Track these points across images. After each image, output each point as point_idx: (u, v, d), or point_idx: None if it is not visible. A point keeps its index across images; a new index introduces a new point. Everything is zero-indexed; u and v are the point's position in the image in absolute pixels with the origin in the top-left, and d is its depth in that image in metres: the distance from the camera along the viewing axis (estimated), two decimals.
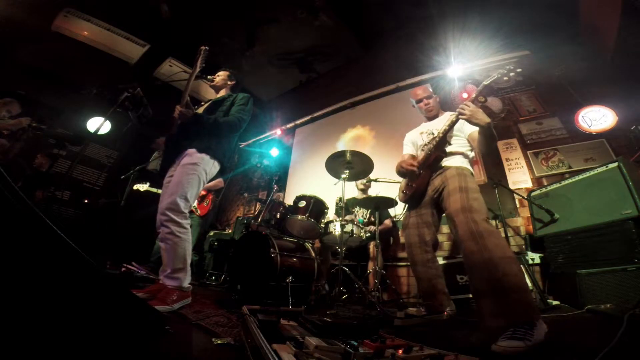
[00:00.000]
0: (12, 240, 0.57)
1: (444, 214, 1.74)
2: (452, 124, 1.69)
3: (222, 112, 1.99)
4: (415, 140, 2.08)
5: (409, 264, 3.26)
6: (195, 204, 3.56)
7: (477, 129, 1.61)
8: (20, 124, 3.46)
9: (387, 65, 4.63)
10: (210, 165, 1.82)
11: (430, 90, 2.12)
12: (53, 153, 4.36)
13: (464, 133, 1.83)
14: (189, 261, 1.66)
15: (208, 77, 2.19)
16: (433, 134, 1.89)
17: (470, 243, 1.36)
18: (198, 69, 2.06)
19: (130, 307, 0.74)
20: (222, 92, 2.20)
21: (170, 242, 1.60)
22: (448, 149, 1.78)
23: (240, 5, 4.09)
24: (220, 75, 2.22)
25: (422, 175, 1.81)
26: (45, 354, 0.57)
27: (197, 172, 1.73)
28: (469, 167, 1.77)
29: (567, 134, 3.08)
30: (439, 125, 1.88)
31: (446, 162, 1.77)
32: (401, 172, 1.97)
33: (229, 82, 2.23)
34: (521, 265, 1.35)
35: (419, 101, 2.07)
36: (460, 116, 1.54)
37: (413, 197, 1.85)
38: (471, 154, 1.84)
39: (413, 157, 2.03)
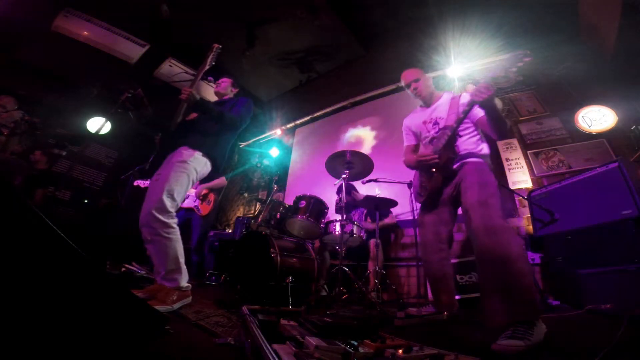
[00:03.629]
0: (12, 240, 0.57)
1: (460, 210, 1.69)
2: (460, 121, 1.60)
3: None
4: (419, 131, 1.95)
5: (409, 264, 3.29)
6: (198, 203, 3.56)
7: (483, 113, 1.57)
8: (12, 117, 3.47)
9: (387, 65, 4.62)
10: (202, 165, 1.77)
11: (420, 72, 1.99)
12: (53, 152, 4.36)
13: (472, 118, 1.71)
14: (182, 260, 1.61)
15: (212, 81, 2.21)
16: (437, 123, 1.78)
17: (483, 238, 1.33)
18: (208, 66, 2.06)
19: (130, 307, 0.74)
20: (224, 98, 2.24)
21: (159, 244, 1.55)
22: (460, 140, 1.70)
23: (241, 5, 4.09)
24: (225, 82, 2.26)
25: (435, 176, 1.71)
26: (46, 354, 0.57)
27: (186, 171, 1.67)
28: (487, 160, 1.69)
29: (567, 134, 3.08)
30: (441, 112, 1.78)
31: (462, 157, 1.67)
32: (417, 167, 1.85)
33: (232, 89, 2.27)
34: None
35: (407, 86, 2.00)
36: (475, 99, 1.43)
37: (429, 197, 1.79)
38: (485, 146, 1.72)
39: (417, 147, 1.94)
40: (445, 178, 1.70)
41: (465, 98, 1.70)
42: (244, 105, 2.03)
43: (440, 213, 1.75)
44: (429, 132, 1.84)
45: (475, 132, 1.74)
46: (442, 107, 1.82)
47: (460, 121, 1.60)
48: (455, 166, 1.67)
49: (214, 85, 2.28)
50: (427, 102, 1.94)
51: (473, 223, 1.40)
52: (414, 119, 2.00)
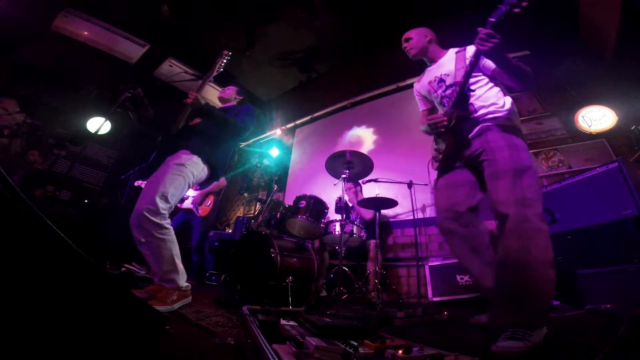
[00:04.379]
0: (12, 240, 0.57)
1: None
2: (468, 74, 1.37)
3: None
4: (427, 92, 1.74)
5: (409, 264, 3.29)
6: (197, 203, 3.57)
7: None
8: (14, 120, 3.50)
9: (387, 65, 4.63)
10: (199, 169, 1.75)
11: (416, 30, 1.78)
12: (50, 152, 4.37)
13: (485, 71, 1.49)
14: (178, 261, 1.60)
15: (212, 80, 2.23)
16: (443, 80, 1.58)
17: (512, 240, 1.18)
18: (216, 72, 2.09)
19: (130, 307, 0.74)
20: (228, 104, 2.26)
21: (153, 245, 1.53)
22: (474, 97, 1.46)
23: (240, 5, 4.09)
24: (231, 89, 2.31)
25: (447, 139, 1.51)
26: (46, 354, 0.57)
27: (183, 174, 1.65)
28: (514, 121, 1.42)
29: (567, 134, 3.08)
30: (446, 68, 1.58)
31: (481, 118, 1.43)
32: (429, 131, 1.64)
33: (237, 97, 2.29)
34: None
35: (403, 47, 1.79)
36: (480, 48, 1.25)
37: (443, 162, 1.58)
38: (508, 100, 1.46)
39: (432, 111, 1.76)
40: (459, 141, 1.47)
41: (471, 50, 1.50)
42: (247, 113, 2.04)
43: (458, 174, 1.51)
44: (436, 91, 1.64)
45: (492, 86, 1.50)
46: (447, 63, 1.62)
47: (468, 75, 1.37)
48: (475, 130, 1.44)
49: (219, 90, 2.31)
50: (430, 61, 1.75)
51: (505, 223, 1.22)
52: (421, 82, 1.80)
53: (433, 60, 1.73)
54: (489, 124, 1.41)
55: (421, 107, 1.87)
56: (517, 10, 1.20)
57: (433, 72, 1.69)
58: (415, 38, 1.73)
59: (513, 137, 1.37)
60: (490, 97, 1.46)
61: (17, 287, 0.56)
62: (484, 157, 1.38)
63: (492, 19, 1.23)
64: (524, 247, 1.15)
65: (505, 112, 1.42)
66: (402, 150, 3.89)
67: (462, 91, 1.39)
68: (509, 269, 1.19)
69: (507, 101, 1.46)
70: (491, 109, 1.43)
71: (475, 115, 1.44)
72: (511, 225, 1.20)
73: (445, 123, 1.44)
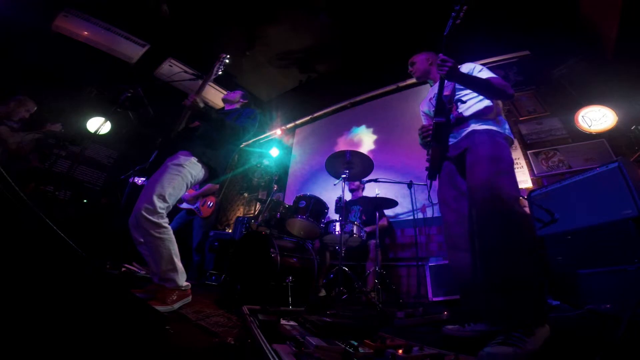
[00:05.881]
0: (12, 241, 0.57)
1: None
2: (442, 86, 1.49)
3: None
4: (428, 109, 1.88)
5: (408, 264, 3.29)
6: (199, 205, 3.58)
7: (485, 72, 1.52)
8: (56, 129, 3.56)
9: (387, 65, 4.63)
10: (197, 170, 1.75)
11: (418, 55, 1.94)
12: (48, 152, 4.36)
13: None
14: (177, 260, 1.59)
15: (220, 88, 2.22)
16: None
17: (488, 225, 1.15)
18: (214, 76, 2.09)
19: (130, 307, 0.74)
20: (231, 107, 2.26)
21: (152, 244, 1.53)
22: (463, 107, 1.57)
23: (241, 5, 4.09)
24: (237, 93, 2.32)
25: (432, 147, 1.58)
26: (46, 354, 0.57)
27: (181, 174, 1.65)
28: (502, 129, 1.49)
29: (567, 134, 3.08)
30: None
31: (468, 121, 1.53)
32: (422, 143, 1.73)
33: (241, 100, 2.30)
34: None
35: (409, 70, 1.94)
36: (440, 74, 1.40)
37: (434, 169, 1.62)
38: (495, 108, 1.55)
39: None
40: (443, 146, 1.54)
41: (462, 68, 1.64)
42: (249, 116, 2.04)
43: (458, 184, 1.54)
44: (434, 106, 1.69)
45: (482, 98, 1.59)
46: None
47: (440, 89, 1.50)
48: (463, 134, 1.53)
49: (220, 91, 2.30)
50: (432, 81, 1.89)
51: (479, 207, 1.20)
52: (424, 100, 1.95)
53: (434, 80, 1.85)
54: (477, 128, 1.50)
55: (424, 122, 1.93)
56: (458, 21, 1.42)
57: (433, 90, 1.81)
58: (418, 63, 1.90)
59: (498, 138, 1.46)
60: (478, 106, 1.56)
61: (17, 287, 0.56)
62: (468, 151, 1.46)
63: (445, 33, 1.43)
64: (505, 231, 1.11)
65: (491, 117, 1.53)
66: (402, 150, 3.89)
67: (440, 100, 1.50)
68: (489, 258, 1.15)
69: (494, 108, 1.57)
70: (478, 115, 1.54)
71: (464, 122, 1.55)
72: (485, 208, 1.19)
73: (430, 132, 1.55)
